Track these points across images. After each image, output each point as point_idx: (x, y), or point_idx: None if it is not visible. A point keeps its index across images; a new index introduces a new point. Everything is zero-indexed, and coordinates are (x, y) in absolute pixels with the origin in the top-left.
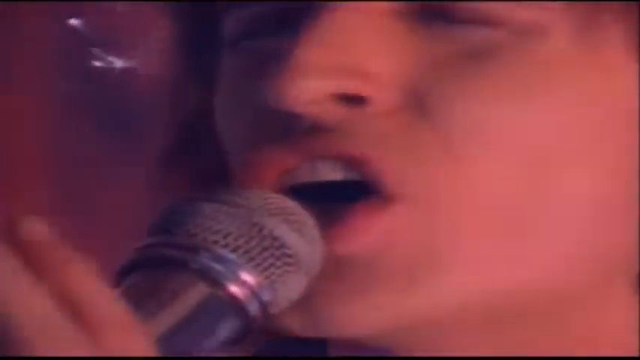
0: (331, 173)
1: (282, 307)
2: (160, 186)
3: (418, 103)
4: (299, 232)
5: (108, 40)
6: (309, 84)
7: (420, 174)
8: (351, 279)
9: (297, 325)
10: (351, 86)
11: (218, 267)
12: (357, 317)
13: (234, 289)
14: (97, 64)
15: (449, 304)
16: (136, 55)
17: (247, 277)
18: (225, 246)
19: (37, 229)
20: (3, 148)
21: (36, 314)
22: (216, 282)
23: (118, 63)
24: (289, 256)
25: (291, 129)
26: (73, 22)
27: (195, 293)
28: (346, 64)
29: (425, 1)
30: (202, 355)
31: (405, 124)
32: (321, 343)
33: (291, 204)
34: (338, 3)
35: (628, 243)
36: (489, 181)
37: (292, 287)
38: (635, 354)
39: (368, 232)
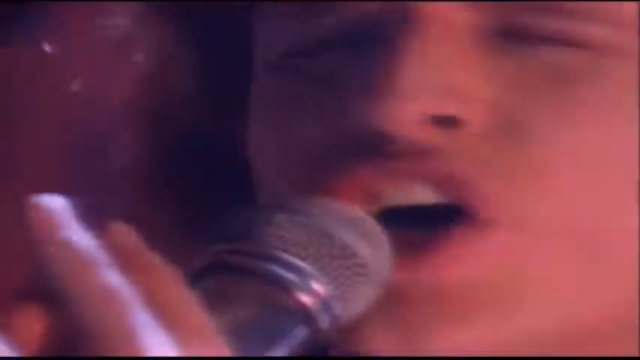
0: (424, 196)
1: (351, 317)
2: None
3: (511, 126)
4: (369, 243)
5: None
6: (408, 105)
7: (515, 199)
8: (448, 305)
9: (392, 346)
10: (447, 107)
11: (288, 275)
12: (453, 344)
13: (304, 298)
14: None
15: (534, 330)
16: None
17: (317, 286)
18: (296, 254)
19: (126, 234)
20: None
21: (123, 315)
22: (286, 291)
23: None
24: (359, 266)
25: (383, 150)
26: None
27: (265, 301)
28: (441, 85)
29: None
30: None
31: (499, 147)
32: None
33: (362, 214)
34: (418, 18)
35: None
36: (583, 207)
37: (362, 298)
38: None
39: (464, 260)
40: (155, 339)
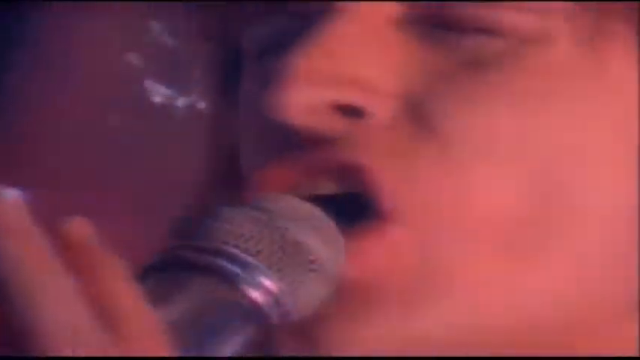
0: (329, 186)
1: (303, 313)
2: None
3: (418, 114)
4: (322, 239)
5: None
6: (305, 93)
7: (419, 187)
8: (350, 303)
9: (293, 346)
10: (350, 97)
11: (238, 271)
12: (356, 342)
13: (254, 294)
14: (157, 99)
15: (448, 329)
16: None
17: (268, 282)
18: (246, 250)
19: (80, 230)
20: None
21: (66, 313)
22: (236, 287)
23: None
24: (312, 262)
25: (289, 142)
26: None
27: (215, 298)
28: (345, 74)
29: (426, 1)
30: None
31: (404, 135)
32: None
33: (315, 210)
34: (339, 13)
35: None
36: (491, 196)
37: (314, 294)
38: None
39: (367, 257)
40: (97, 338)
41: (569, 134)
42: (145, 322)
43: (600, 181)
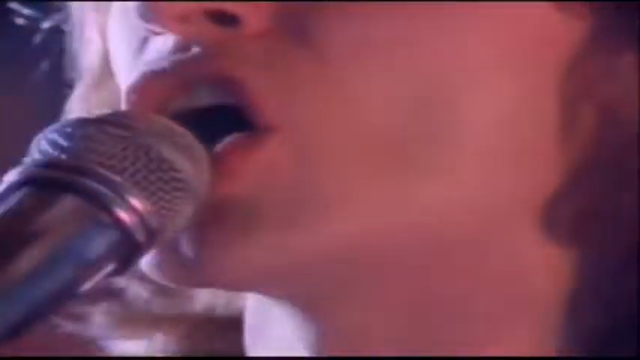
0: (206, 98)
1: (170, 234)
2: None
3: (295, 25)
4: (188, 156)
5: None
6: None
7: (296, 99)
8: (229, 223)
9: (168, 276)
10: (224, 4)
11: (104, 190)
12: (237, 264)
13: (120, 214)
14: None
15: (333, 245)
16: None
17: (134, 201)
18: (111, 167)
19: None
20: None
21: None
22: (101, 206)
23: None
24: (178, 180)
25: (161, 53)
26: None
27: (78, 217)
28: None
29: None
30: (84, 285)
31: (281, 46)
32: None
33: (179, 127)
34: None
35: (533, 179)
36: (372, 108)
37: (181, 213)
38: (551, 294)
39: (244, 173)
40: None
41: (459, 46)
42: None
43: (484, 89)
